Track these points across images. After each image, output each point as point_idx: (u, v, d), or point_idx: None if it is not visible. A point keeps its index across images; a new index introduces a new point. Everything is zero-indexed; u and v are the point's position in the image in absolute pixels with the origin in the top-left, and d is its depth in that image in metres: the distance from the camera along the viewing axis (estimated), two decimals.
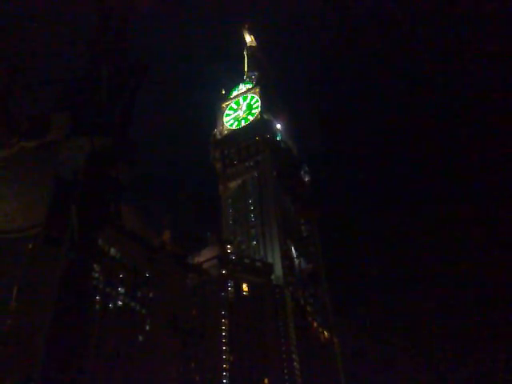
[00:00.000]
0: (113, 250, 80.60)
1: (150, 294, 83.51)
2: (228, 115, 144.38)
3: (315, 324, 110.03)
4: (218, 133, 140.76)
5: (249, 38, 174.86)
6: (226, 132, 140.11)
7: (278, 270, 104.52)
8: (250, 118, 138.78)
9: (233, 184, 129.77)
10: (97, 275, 75.67)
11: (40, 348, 8.91)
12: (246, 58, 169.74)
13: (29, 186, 11.27)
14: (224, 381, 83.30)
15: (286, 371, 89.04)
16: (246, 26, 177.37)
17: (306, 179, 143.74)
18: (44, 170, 10.58)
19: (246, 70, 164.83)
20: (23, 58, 13.38)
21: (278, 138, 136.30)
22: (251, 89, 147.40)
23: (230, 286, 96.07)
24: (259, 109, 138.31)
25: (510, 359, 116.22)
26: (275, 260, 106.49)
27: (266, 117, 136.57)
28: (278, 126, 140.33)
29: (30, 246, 10.35)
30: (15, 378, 8.95)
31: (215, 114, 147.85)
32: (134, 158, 10.23)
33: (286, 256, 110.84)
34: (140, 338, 78.47)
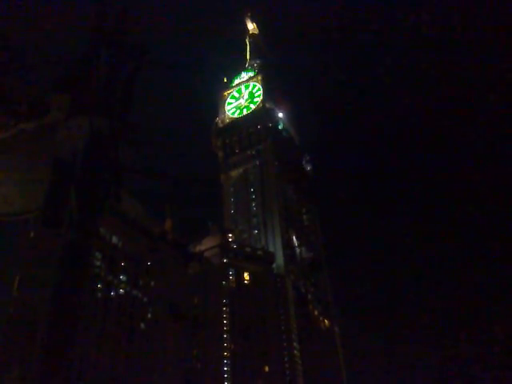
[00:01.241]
0: (115, 239, 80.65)
1: (152, 283, 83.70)
2: (230, 103, 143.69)
3: (316, 312, 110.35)
4: (219, 121, 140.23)
5: (251, 26, 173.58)
6: (227, 120, 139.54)
7: (280, 258, 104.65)
8: (252, 106, 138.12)
9: (234, 173, 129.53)
10: (99, 263, 75.86)
11: (40, 333, 8.83)
12: (248, 46, 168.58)
13: (28, 169, 11.14)
14: (225, 368, 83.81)
15: (286, 359, 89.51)
16: (249, 14, 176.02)
17: (308, 168, 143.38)
18: (43, 152, 10.45)
19: (248, 58, 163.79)
20: (22, 39, 13.19)
21: (279, 127, 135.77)
22: (253, 77, 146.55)
23: (231, 275, 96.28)
24: (261, 97, 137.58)
25: None
26: (276, 249, 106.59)
27: (268, 105, 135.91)
28: (280, 114, 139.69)
29: (32, 234, 10.22)
30: (18, 365, 8.89)
31: (217, 103, 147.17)
32: (135, 138, 10.09)
33: (287, 245, 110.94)
34: (142, 325, 78.77)
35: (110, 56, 10.92)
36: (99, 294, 74.59)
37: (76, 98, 10.25)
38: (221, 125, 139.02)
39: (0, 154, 11.56)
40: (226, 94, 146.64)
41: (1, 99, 11.44)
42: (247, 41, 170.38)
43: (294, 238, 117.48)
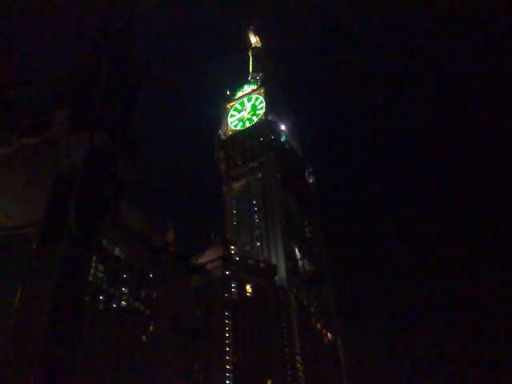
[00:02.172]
0: (117, 250, 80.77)
1: (154, 295, 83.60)
2: (232, 116, 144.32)
3: (319, 325, 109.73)
4: (222, 133, 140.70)
5: (254, 39, 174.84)
6: (230, 133, 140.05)
7: (282, 271, 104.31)
8: (255, 119, 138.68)
9: (237, 185, 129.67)
10: (101, 275, 75.88)
11: (40, 347, 8.86)
12: (250, 59, 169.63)
13: (29, 183, 11.24)
14: (227, 381, 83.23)
15: (289, 372, 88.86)
16: (252, 27, 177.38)
17: (311, 180, 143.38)
18: (44, 166, 10.55)
19: (250, 70, 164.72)
20: (24, 54, 13.36)
21: (282, 140, 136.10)
22: (256, 90, 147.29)
23: (233, 287, 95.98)
24: (264, 110, 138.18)
25: None
26: (279, 261, 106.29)
27: (270, 118, 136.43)
28: (283, 127, 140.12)
29: (34, 245, 10.28)
30: (20, 378, 8.92)
31: (220, 115, 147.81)
32: (134, 154, 10.19)
33: (289, 257, 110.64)
34: (143, 338, 78.55)
35: (112, 71, 11.05)
36: (101, 306, 74.54)
37: (77, 114, 10.37)
38: (223, 137, 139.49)
39: (1, 168, 11.67)
40: (228, 106, 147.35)
41: (3, 114, 11.59)
42: (250, 54, 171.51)
43: (296, 250, 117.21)
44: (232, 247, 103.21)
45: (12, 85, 11.58)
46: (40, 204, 10.48)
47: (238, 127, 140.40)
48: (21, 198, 11.57)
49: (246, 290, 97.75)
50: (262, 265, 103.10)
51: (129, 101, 10.88)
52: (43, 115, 10.97)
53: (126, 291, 79.97)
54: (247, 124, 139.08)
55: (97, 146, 9.31)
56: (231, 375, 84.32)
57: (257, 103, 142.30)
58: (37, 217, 10.65)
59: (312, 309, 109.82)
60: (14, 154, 11.18)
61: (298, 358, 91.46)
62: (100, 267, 75.82)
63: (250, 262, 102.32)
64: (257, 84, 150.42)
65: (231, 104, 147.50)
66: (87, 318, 66.55)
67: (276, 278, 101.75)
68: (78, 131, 9.51)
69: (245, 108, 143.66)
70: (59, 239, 8.66)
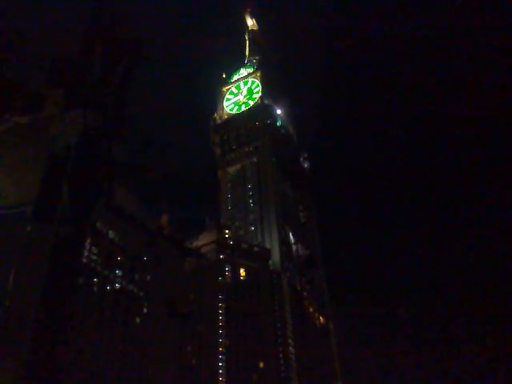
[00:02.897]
0: (111, 233, 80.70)
1: (148, 278, 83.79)
2: (228, 99, 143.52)
3: (311, 310, 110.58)
4: (217, 117, 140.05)
5: (250, 22, 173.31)
6: (225, 116, 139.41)
7: (276, 255, 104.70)
8: (251, 102, 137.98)
9: (232, 169, 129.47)
10: (95, 258, 75.91)
11: (31, 326, 8.86)
12: (247, 42, 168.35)
13: (22, 163, 11.13)
14: (220, 364, 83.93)
15: (281, 356, 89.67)
16: (248, 10, 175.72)
17: (306, 165, 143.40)
18: (37, 146, 10.44)
19: (247, 54, 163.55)
20: (18, 33, 13.16)
21: (278, 124, 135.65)
22: (252, 73, 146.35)
23: (227, 271, 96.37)
24: (260, 94, 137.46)
25: None
26: (273, 245, 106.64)
27: (266, 102, 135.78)
28: (279, 111, 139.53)
29: (28, 228, 10.22)
30: (11, 356, 8.92)
31: (215, 98, 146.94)
32: (127, 133, 10.11)
33: (283, 242, 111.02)
34: (137, 320, 78.90)
35: (105, 51, 10.90)
36: (95, 289, 74.70)
37: (71, 93, 10.25)
38: (219, 121, 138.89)
39: None
40: (224, 89, 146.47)
41: None
42: (246, 37, 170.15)
43: (290, 234, 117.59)
44: (226, 231, 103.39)
45: (4, 61, 11.41)
46: (33, 183, 10.39)
47: (234, 111, 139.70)
48: (15, 177, 11.47)
49: (239, 273, 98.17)
50: (256, 249, 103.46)
51: (122, 80, 10.77)
52: (36, 94, 10.83)
53: (120, 274, 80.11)
54: (243, 108, 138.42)
55: (90, 125, 9.24)
56: (224, 357, 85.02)
57: (253, 87, 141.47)
58: (30, 196, 10.58)
59: (305, 293, 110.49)
60: (7, 133, 11.05)
61: (290, 341, 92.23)
62: (94, 250, 75.78)
63: (244, 246, 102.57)
64: (253, 67, 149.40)
65: (227, 87, 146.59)
66: (81, 300, 66.77)
67: (270, 262, 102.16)
68: (71, 110, 9.42)
69: (241, 91, 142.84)
70: (52, 218, 8.62)
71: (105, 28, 11.57)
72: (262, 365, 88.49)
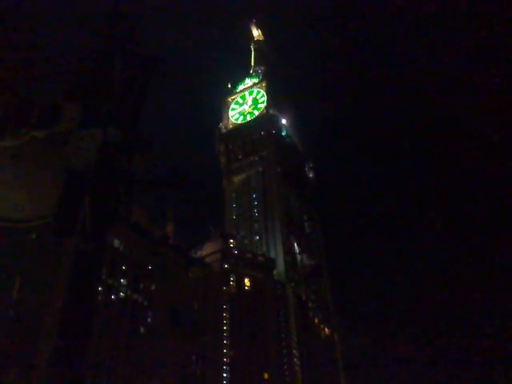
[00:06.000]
0: (116, 242, 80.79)
1: (153, 287, 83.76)
2: (233, 109, 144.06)
3: (316, 320, 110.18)
4: (223, 127, 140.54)
5: (256, 32, 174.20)
6: (231, 126, 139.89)
7: (280, 265, 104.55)
8: (256, 112, 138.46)
9: (237, 178, 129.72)
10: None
11: (45, 339, 8.87)
12: (252, 52, 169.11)
13: (39, 177, 11.20)
14: (224, 375, 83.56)
15: (286, 367, 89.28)
16: (254, 21, 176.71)
17: (311, 175, 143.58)
18: (55, 160, 10.51)
19: (252, 64, 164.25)
20: (36, 48, 13.29)
21: (283, 134, 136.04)
22: (257, 83, 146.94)
23: (231, 281, 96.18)
24: (265, 104, 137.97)
25: None
26: (277, 255, 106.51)
27: (271, 112, 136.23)
28: (284, 121, 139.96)
29: (34, 236, 10.28)
30: (17, 368, 8.95)
31: (221, 108, 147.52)
32: (148, 150, 10.18)
33: (288, 252, 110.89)
34: (141, 330, 78.75)
35: (124, 66, 11.01)
36: (99, 297, 74.63)
37: (89, 108, 10.33)
38: (224, 130, 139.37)
39: (10, 161, 11.63)
40: (229, 99, 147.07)
41: (13, 106, 11.53)
42: (252, 47, 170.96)
43: (295, 244, 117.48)
44: (231, 241, 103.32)
45: (23, 77, 11.52)
46: (49, 198, 10.44)
47: (239, 121, 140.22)
48: (29, 191, 11.54)
49: (244, 283, 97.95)
50: (260, 259, 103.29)
51: (140, 95, 10.86)
52: (54, 108, 10.92)
53: (125, 283, 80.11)
54: (248, 118, 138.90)
55: (110, 141, 9.31)
56: (228, 368, 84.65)
57: (258, 97, 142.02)
58: (45, 210, 10.61)
59: (310, 304, 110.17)
60: (24, 147, 11.14)
61: (295, 352, 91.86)
62: None
63: (248, 255, 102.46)
64: (258, 77, 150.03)
65: (232, 97, 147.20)
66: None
67: (274, 272, 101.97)
68: (90, 126, 9.48)
69: (246, 101, 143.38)
70: (71, 233, 8.66)
71: (123, 41, 11.69)
72: (266, 376, 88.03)
